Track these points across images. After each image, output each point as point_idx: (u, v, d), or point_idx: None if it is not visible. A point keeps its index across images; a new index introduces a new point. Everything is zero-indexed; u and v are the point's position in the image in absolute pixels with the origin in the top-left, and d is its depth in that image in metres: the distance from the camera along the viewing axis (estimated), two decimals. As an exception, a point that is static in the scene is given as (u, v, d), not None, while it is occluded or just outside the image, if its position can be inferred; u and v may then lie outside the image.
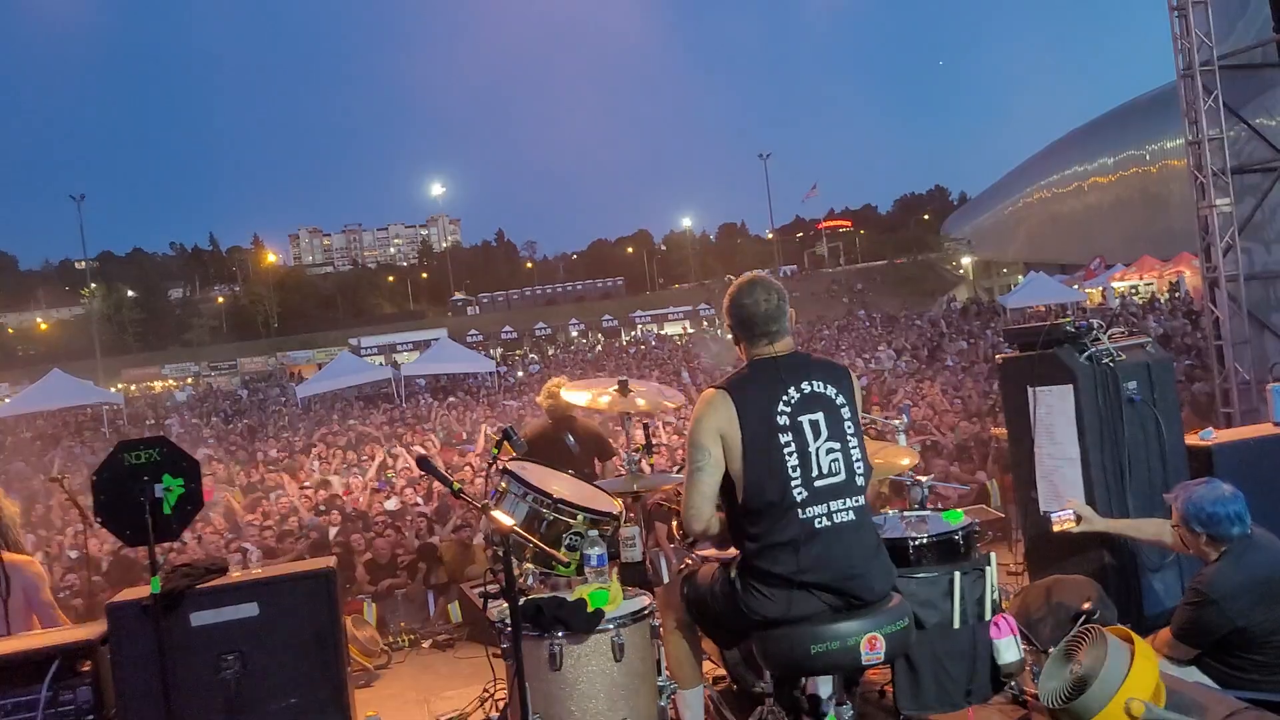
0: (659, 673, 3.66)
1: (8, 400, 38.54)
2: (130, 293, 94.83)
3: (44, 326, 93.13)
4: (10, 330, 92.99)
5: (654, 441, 5.99)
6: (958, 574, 4.12)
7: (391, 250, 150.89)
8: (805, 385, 3.37)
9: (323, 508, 11.14)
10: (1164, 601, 4.89)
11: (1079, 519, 4.58)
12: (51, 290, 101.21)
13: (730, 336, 3.62)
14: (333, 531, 9.84)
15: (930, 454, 10.05)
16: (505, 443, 3.78)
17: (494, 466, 3.94)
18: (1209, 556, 3.91)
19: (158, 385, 63.22)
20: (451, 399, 27.61)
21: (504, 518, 3.46)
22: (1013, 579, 6.16)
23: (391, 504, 11.42)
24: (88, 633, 3.94)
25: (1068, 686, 3.57)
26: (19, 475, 18.52)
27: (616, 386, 5.02)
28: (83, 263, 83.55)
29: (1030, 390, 5.34)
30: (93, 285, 79.08)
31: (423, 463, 3.65)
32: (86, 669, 3.79)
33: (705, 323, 62.66)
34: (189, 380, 63.91)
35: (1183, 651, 3.92)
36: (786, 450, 3.28)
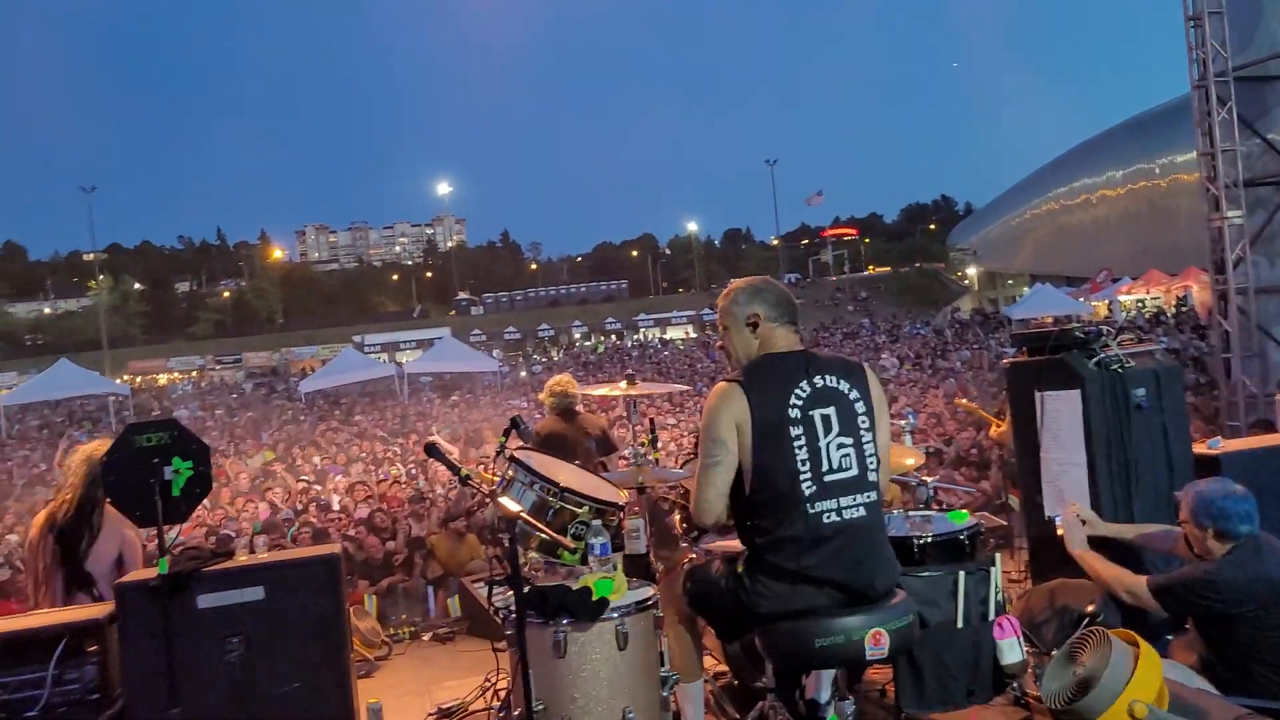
0: (661, 664, 3.66)
1: (15, 388, 38.74)
2: (137, 285, 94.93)
3: (52, 316, 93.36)
4: (19, 319, 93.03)
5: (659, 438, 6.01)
6: (962, 573, 4.12)
7: (397, 248, 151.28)
8: (818, 380, 3.36)
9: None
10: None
11: (1083, 524, 4.57)
12: (60, 281, 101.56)
13: (728, 332, 3.55)
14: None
15: (933, 461, 10.03)
16: (513, 431, 3.80)
17: (502, 454, 3.95)
18: (1215, 554, 3.90)
19: (162, 378, 63.27)
20: (454, 397, 27.68)
21: (511, 504, 3.47)
22: (1015, 586, 6.14)
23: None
24: (95, 612, 3.94)
25: (1071, 688, 3.57)
26: (26, 462, 18.58)
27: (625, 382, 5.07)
28: (91, 254, 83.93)
29: (1038, 394, 5.33)
30: (101, 277, 79.05)
31: (430, 449, 3.67)
32: (93, 649, 3.79)
33: (709, 328, 62.52)
34: (194, 373, 63.94)
35: (1146, 600, 3.94)
36: (796, 444, 3.27)
